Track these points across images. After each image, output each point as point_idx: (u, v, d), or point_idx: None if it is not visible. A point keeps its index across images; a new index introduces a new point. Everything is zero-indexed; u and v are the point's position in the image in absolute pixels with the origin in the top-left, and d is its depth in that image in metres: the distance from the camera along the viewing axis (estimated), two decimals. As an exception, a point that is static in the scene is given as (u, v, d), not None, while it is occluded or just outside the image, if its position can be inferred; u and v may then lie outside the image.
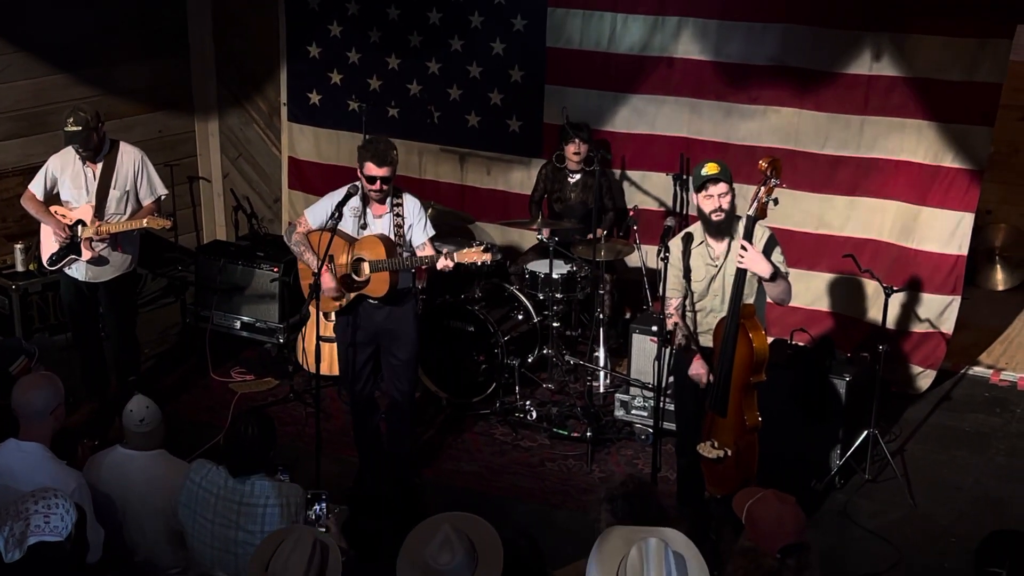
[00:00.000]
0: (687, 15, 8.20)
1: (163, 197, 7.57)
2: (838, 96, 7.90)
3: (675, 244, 6.08)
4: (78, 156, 7.30)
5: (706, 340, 6.08)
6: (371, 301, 6.58)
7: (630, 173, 8.69)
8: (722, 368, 5.85)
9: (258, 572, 4.13)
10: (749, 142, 8.14)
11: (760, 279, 5.82)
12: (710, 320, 6.04)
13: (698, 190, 5.91)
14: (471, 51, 8.97)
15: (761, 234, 5.87)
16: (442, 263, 6.28)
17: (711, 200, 5.87)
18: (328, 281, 6.46)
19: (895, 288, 7.12)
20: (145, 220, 7.24)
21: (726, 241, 5.96)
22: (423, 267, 6.46)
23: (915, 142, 7.76)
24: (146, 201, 7.42)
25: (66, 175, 7.35)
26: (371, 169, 6.40)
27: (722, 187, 5.86)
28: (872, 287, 7.93)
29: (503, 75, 8.92)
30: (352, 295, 6.56)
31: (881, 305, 7.11)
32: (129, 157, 7.38)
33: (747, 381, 5.83)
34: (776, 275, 5.79)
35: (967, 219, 7.79)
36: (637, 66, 8.46)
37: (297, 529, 4.37)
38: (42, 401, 5.14)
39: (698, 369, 6.01)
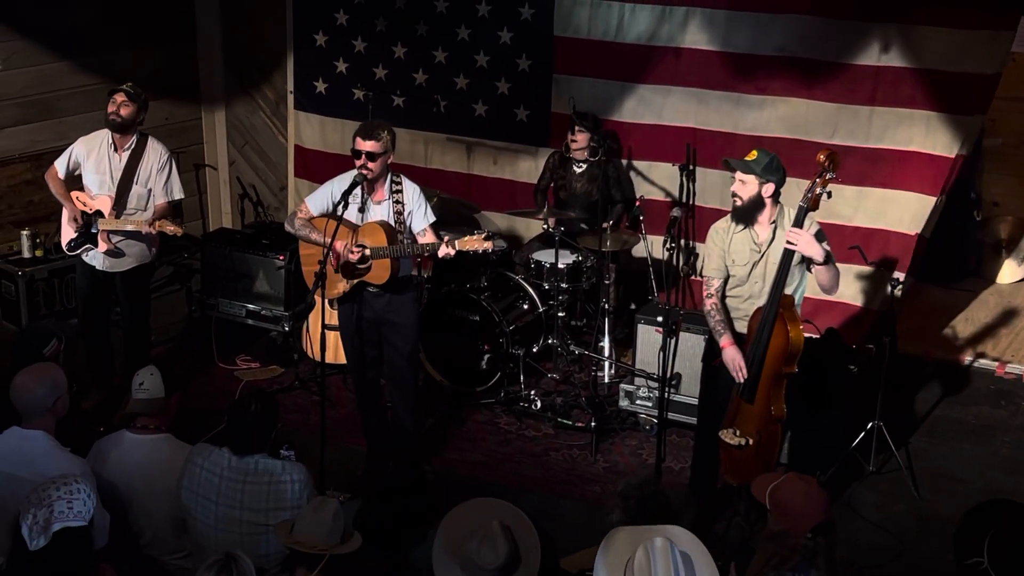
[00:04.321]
0: (695, 5, 8.19)
1: (178, 201, 7.58)
2: (846, 86, 7.89)
3: (718, 225, 6.12)
4: (108, 141, 7.31)
5: (740, 326, 6.08)
6: (371, 289, 6.57)
7: (636, 163, 8.68)
8: (755, 355, 5.84)
9: (284, 536, 4.33)
10: (757, 132, 8.13)
11: (812, 264, 5.83)
12: (747, 307, 6.05)
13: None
14: (478, 40, 8.95)
15: (809, 225, 5.87)
16: (443, 251, 6.26)
17: (733, 185, 5.95)
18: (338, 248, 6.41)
19: (902, 279, 7.12)
20: (158, 224, 7.21)
21: (771, 228, 5.97)
22: (426, 255, 6.44)
23: (923, 133, 7.75)
24: (159, 200, 7.38)
25: (90, 160, 7.34)
26: (357, 143, 6.38)
27: (739, 175, 5.92)
28: (879, 278, 7.91)
29: (510, 64, 8.91)
30: (354, 282, 6.56)
31: (888, 296, 7.11)
32: (155, 153, 7.37)
33: (779, 371, 5.82)
34: (828, 259, 5.82)
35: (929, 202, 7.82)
36: (645, 56, 8.45)
37: (317, 499, 4.57)
38: (42, 395, 5.01)
39: (731, 354, 5.99)
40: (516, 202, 9.00)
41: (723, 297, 6.13)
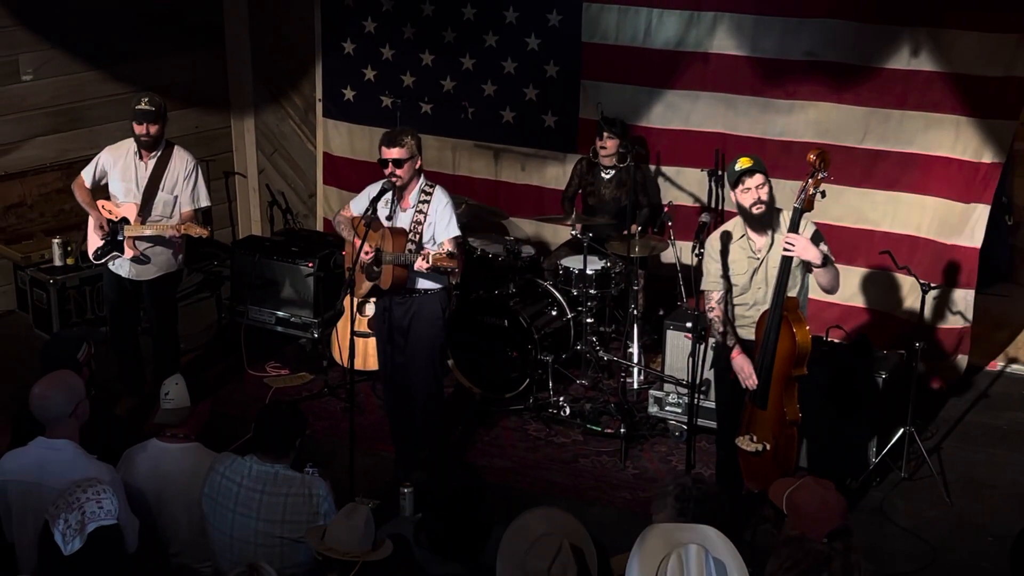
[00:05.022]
0: (722, 10, 8.18)
1: (205, 208, 7.57)
2: (876, 91, 7.86)
3: (713, 239, 6.09)
4: (133, 149, 7.33)
5: (748, 333, 6.07)
6: (394, 297, 6.59)
7: (665, 169, 8.66)
8: (763, 360, 5.83)
9: (316, 542, 4.31)
10: (785, 137, 8.11)
11: (811, 267, 5.82)
12: (753, 313, 6.04)
13: (734, 186, 5.92)
14: (506, 46, 8.96)
15: (805, 225, 5.86)
16: (419, 263, 6.28)
17: (749, 193, 5.87)
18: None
19: (932, 285, 7.08)
20: (183, 227, 7.25)
21: (768, 234, 5.96)
22: (405, 262, 6.40)
23: (953, 137, 7.71)
24: (186, 208, 7.39)
25: (117, 168, 7.35)
26: (383, 152, 6.41)
27: (758, 179, 5.86)
28: (909, 283, 7.87)
29: (538, 70, 8.91)
30: (370, 284, 6.60)
31: (918, 301, 7.07)
32: (181, 161, 7.38)
33: (788, 374, 5.80)
34: (827, 261, 5.80)
35: (983, 211, 7.76)
36: (672, 61, 8.44)
37: (349, 505, 4.58)
38: (62, 402, 4.97)
39: (740, 363, 5.99)
40: (544, 208, 9.00)
41: (726, 307, 6.12)
